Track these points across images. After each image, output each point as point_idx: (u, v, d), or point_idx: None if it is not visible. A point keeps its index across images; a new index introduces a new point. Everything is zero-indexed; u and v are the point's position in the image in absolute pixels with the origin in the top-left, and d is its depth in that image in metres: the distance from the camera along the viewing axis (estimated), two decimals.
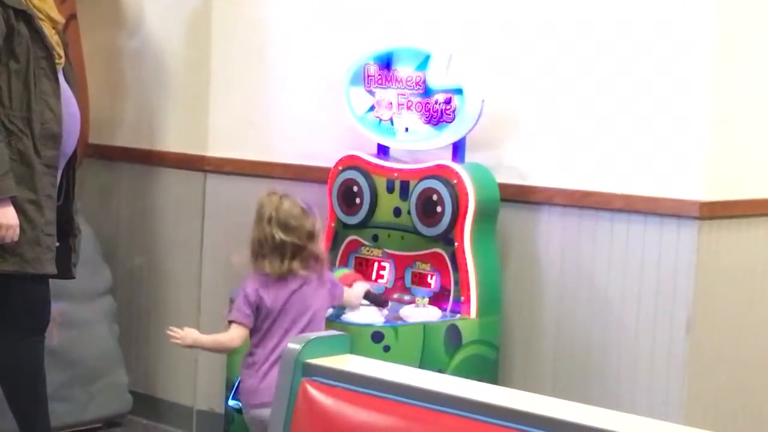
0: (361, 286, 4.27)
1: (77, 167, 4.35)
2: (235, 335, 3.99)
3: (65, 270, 4.26)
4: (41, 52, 4.05)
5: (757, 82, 4.28)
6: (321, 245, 4.07)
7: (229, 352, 4.21)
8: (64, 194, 4.23)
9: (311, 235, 3.99)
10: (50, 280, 4.27)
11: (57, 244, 4.17)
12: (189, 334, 4.01)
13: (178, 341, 4.00)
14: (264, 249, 3.97)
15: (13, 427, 4.30)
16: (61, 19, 4.23)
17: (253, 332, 4.00)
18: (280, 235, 3.95)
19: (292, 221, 3.97)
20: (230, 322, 4.00)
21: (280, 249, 3.95)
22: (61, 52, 4.17)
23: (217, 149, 5.28)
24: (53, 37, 4.13)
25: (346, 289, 4.18)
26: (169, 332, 4.02)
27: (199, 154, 5.31)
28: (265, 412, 3.82)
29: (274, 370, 3.86)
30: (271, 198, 4.03)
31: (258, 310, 3.97)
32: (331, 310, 4.19)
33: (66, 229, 4.24)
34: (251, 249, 4.01)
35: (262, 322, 3.98)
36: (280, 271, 3.95)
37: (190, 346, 4.08)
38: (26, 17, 4.03)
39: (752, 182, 4.31)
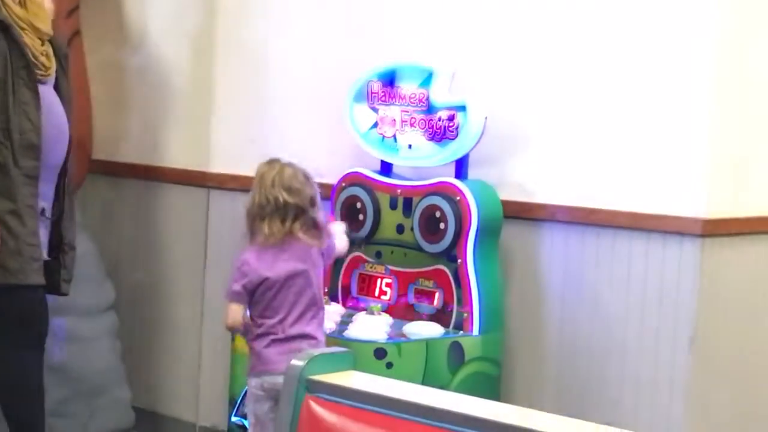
0: (339, 229, 4.32)
1: (81, 184, 4.34)
2: (234, 314, 3.97)
3: (55, 286, 4.23)
4: (20, 62, 4.01)
5: (759, 100, 4.29)
6: (321, 213, 4.03)
7: (239, 329, 4.14)
8: (58, 210, 4.20)
9: (313, 201, 3.98)
10: (54, 296, 4.25)
11: (47, 257, 4.13)
12: None
13: None
14: (265, 211, 3.93)
15: None
16: (49, 30, 4.17)
17: (253, 303, 3.97)
18: (284, 195, 3.92)
19: (296, 184, 3.95)
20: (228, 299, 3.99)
21: (283, 210, 3.92)
22: (49, 63, 4.13)
23: (220, 165, 5.29)
24: (37, 48, 4.10)
25: (337, 235, 4.22)
26: None
27: (202, 170, 5.32)
28: (276, 379, 3.77)
29: (287, 343, 3.90)
30: (272, 164, 4.01)
31: (255, 283, 3.94)
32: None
33: (57, 245, 4.21)
34: (249, 214, 3.96)
35: (262, 294, 3.96)
36: (280, 234, 3.92)
37: None
38: (3, 27, 4.02)
39: (755, 199, 4.31)
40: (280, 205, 3.92)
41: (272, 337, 3.96)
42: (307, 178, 4.01)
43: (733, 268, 4.23)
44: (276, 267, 3.95)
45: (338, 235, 4.34)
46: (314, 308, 3.99)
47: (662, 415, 4.16)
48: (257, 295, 3.97)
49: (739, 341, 4.30)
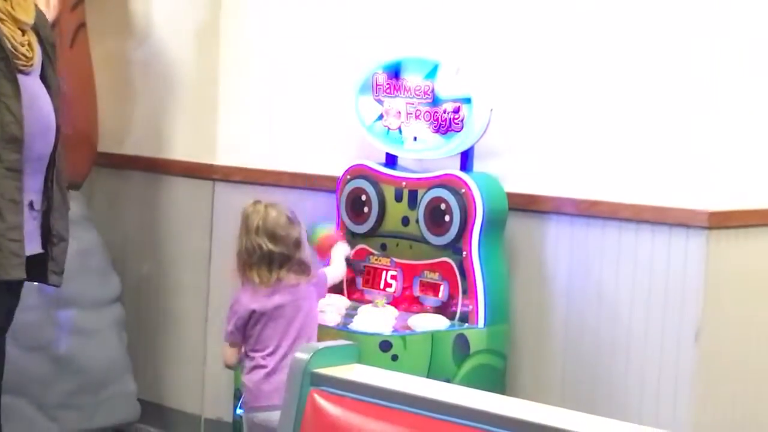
0: (340, 252, 4.39)
1: (86, 176, 4.29)
2: (228, 355, 4.08)
3: (44, 277, 4.19)
4: None
5: (765, 91, 4.28)
6: (307, 252, 4.09)
7: (236, 368, 4.22)
8: (47, 202, 4.16)
9: (298, 244, 4.02)
10: (60, 288, 4.22)
11: (41, 249, 4.10)
12: None
13: None
14: (252, 258, 3.99)
15: None
16: (30, 20, 4.07)
17: (246, 338, 4.03)
18: (268, 245, 3.97)
19: (280, 231, 3.99)
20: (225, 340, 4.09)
21: (268, 259, 3.98)
22: (31, 54, 4.04)
23: (225, 158, 5.28)
24: (17, 38, 4.03)
25: (326, 270, 4.27)
26: None
27: (208, 162, 5.32)
28: (269, 416, 3.87)
29: (278, 375, 3.91)
30: (256, 207, 4.04)
31: (244, 318, 4.00)
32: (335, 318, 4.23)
33: (47, 237, 4.18)
34: (239, 259, 4.04)
35: (252, 327, 4.00)
36: (268, 282, 3.99)
37: None
38: None
39: (761, 191, 4.30)
40: (265, 254, 3.98)
41: (264, 371, 3.98)
42: (290, 220, 4.03)
43: (739, 261, 4.22)
44: (264, 300, 4.00)
45: (337, 259, 4.41)
46: (304, 338, 4.01)
47: (667, 407, 4.16)
48: (248, 330, 4.02)
49: (745, 334, 4.29)
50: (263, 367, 3.98)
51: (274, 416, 3.67)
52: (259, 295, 3.99)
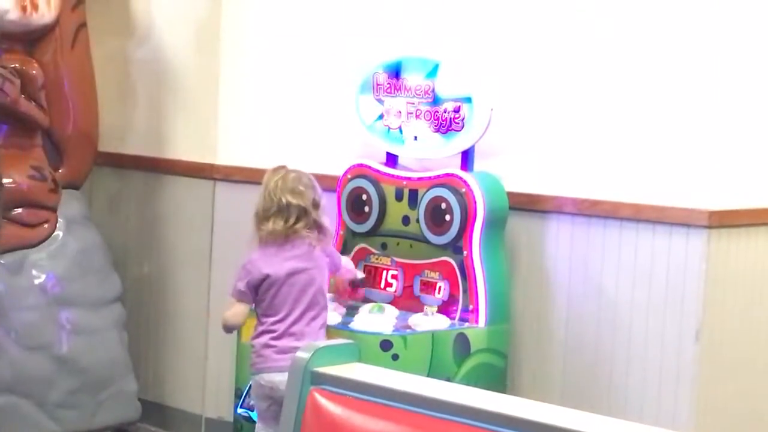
0: (349, 270, 4.38)
1: (87, 176, 4.26)
2: (238, 311, 4.07)
3: None
4: None
5: (765, 91, 4.28)
6: (326, 218, 4.10)
7: (238, 328, 4.21)
8: None
9: (316, 204, 4.05)
10: (60, 287, 4.21)
11: None
12: None
13: None
14: (269, 213, 4.02)
15: None
16: None
17: (258, 302, 4.05)
18: (286, 197, 4.01)
19: (300, 186, 4.05)
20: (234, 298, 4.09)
21: (286, 211, 4.01)
22: None
23: (226, 157, 5.29)
24: None
25: (344, 259, 4.30)
26: None
27: (209, 162, 5.32)
28: (272, 377, 3.94)
29: (284, 339, 3.97)
30: (278, 170, 4.11)
31: (257, 280, 4.02)
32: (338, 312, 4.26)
33: None
34: (256, 219, 4.06)
35: (265, 292, 4.03)
36: (283, 232, 3.99)
37: None
38: None
39: (761, 191, 4.30)
40: (282, 206, 4.01)
41: (271, 335, 4.00)
42: (311, 182, 4.09)
43: (739, 260, 4.22)
44: (278, 265, 4.02)
45: (347, 261, 4.42)
46: (316, 308, 4.04)
47: (668, 406, 4.16)
48: (260, 293, 4.04)
49: (746, 332, 4.29)
50: (272, 332, 4.01)
51: (278, 377, 3.78)
52: (274, 258, 4.00)
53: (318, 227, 4.05)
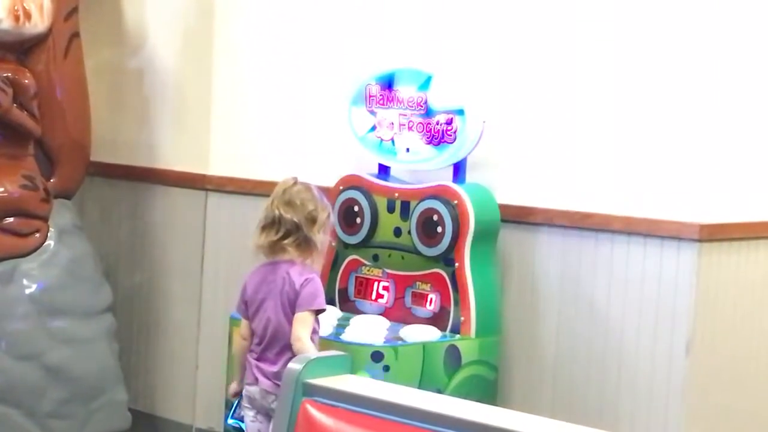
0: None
1: (79, 185, 4.29)
2: (241, 329, 4.07)
3: None
4: None
5: (757, 107, 4.29)
6: (320, 235, 3.98)
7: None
8: None
9: (312, 219, 3.96)
10: (51, 297, 4.22)
11: None
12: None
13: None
14: (262, 224, 3.98)
15: None
16: None
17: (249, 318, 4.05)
18: (280, 210, 3.95)
19: (297, 200, 3.96)
20: None
21: (278, 224, 3.94)
22: None
23: (218, 168, 5.29)
24: None
25: (299, 322, 3.90)
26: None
27: (201, 172, 5.32)
28: (251, 390, 3.95)
29: (263, 363, 3.93)
30: (286, 182, 4.04)
31: (245, 299, 4.03)
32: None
33: None
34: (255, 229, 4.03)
35: (246, 311, 4.03)
36: (266, 245, 3.95)
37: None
38: None
39: (751, 205, 4.31)
40: (276, 219, 3.95)
41: (251, 353, 4.01)
42: (314, 196, 3.99)
43: (730, 273, 4.23)
44: (258, 285, 4.00)
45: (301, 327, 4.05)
46: (278, 346, 3.93)
47: (658, 419, 4.16)
48: (249, 313, 4.04)
49: (736, 346, 4.30)
50: (252, 351, 4.00)
51: (253, 390, 3.91)
52: (260, 273, 3.99)
53: (307, 242, 3.94)
